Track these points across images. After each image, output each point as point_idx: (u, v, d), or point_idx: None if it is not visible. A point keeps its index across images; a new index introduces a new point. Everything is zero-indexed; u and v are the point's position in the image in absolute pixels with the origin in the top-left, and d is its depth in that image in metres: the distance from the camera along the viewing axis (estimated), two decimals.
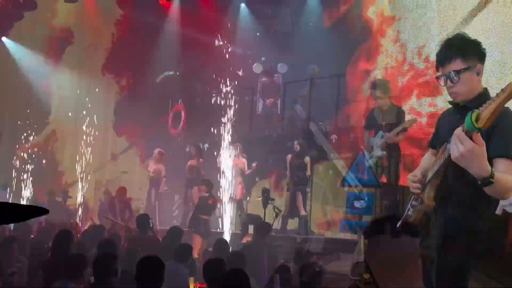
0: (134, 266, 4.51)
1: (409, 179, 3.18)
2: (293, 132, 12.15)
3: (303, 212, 10.70)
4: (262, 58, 14.28)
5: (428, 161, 3.22)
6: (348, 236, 9.17)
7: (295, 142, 10.76)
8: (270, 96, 12.93)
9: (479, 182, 2.66)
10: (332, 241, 9.75)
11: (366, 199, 8.44)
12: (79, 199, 13.02)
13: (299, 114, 11.95)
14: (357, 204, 8.41)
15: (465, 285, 2.95)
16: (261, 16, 14.64)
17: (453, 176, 2.93)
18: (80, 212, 12.72)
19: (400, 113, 9.34)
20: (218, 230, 10.44)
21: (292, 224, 11.03)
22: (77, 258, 5.14)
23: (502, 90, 2.47)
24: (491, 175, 2.63)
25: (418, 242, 3.00)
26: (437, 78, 3.13)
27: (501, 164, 2.80)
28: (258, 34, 14.59)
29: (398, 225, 2.92)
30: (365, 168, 8.57)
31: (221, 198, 10.53)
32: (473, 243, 2.94)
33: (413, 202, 3.13)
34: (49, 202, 13.00)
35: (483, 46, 3.07)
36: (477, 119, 2.48)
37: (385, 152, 9.10)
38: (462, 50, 3.01)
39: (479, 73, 3.02)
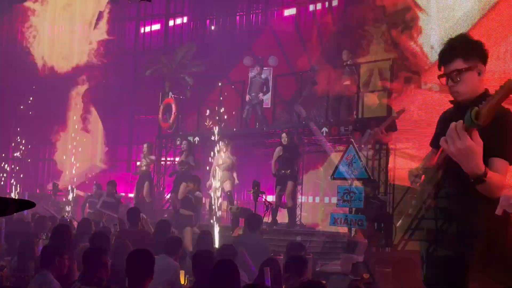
0: (124, 259, 4.50)
1: (410, 174, 3.22)
2: (284, 124, 12.16)
3: (290, 204, 10.74)
4: (252, 52, 14.27)
5: (429, 158, 3.25)
6: (338, 229, 9.22)
7: (283, 134, 10.78)
8: (260, 89, 12.91)
9: (472, 180, 2.71)
10: (322, 234, 9.80)
11: (356, 192, 8.46)
12: (70, 192, 12.98)
13: (300, 114, 11.95)
14: (347, 197, 8.42)
15: (464, 285, 2.99)
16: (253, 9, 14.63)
17: (452, 174, 2.92)
18: (71, 205, 12.70)
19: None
20: (211, 222, 10.47)
21: (283, 217, 11.09)
22: (49, 247, 5.15)
23: (501, 86, 2.53)
24: (484, 174, 2.69)
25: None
26: (439, 77, 3.15)
27: (495, 163, 2.85)
28: (248, 26, 14.58)
29: (398, 224, 3.00)
30: (355, 161, 8.58)
31: (210, 192, 10.55)
32: (472, 241, 2.96)
33: (413, 202, 3.18)
34: (39, 195, 12.97)
35: (485, 48, 3.09)
36: (476, 116, 2.53)
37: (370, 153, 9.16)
38: (463, 51, 3.04)
39: (480, 73, 3.04)
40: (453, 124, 2.69)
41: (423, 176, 3.14)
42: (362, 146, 9.70)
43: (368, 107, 10.65)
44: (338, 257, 8.30)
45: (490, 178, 2.71)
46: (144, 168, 13.20)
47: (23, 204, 1.60)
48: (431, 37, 9.76)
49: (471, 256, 2.97)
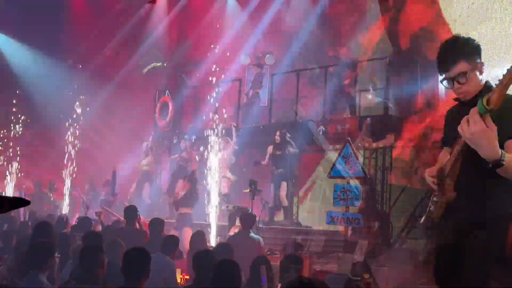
0: (120, 258, 4.50)
1: (427, 174, 3.28)
2: (280, 123, 12.16)
3: (285, 203, 10.76)
4: (250, 50, 14.25)
5: (443, 157, 3.29)
6: (334, 227, 9.23)
7: (277, 133, 10.78)
8: (257, 87, 12.93)
9: (490, 165, 2.79)
10: (319, 232, 9.81)
11: (352, 190, 8.47)
12: (66, 190, 12.97)
13: (299, 114, 11.96)
14: (344, 195, 8.44)
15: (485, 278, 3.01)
16: (248, 7, 14.61)
17: (471, 167, 2.99)
18: (67, 203, 12.69)
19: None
20: (205, 222, 10.47)
21: (279, 215, 11.10)
22: (41, 246, 5.10)
23: (508, 70, 2.66)
24: (502, 157, 2.77)
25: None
26: (442, 81, 3.22)
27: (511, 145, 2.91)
28: (245, 25, 14.56)
29: (421, 220, 3.23)
30: (352, 160, 8.59)
31: (208, 190, 10.56)
32: (491, 235, 2.99)
33: (434, 198, 3.22)
34: (36, 193, 12.95)
35: (477, 42, 3.17)
36: (488, 103, 2.69)
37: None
38: (464, 52, 3.11)
39: (481, 70, 3.13)
40: (471, 110, 2.79)
41: (436, 177, 3.19)
42: (359, 144, 9.71)
43: (366, 106, 10.66)
44: (337, 257, 8.32)
45: (509, 160, 2.79)
46: (145, 168, 13.17)
47: (18, 202, 1.60)
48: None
49: (490, 249, 2.99)
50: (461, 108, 3.17)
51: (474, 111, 2.77)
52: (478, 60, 3.13)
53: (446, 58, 3.15)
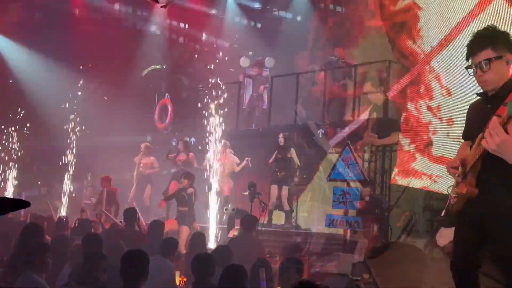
0: (119, 260, 4.50)
1: (448, 168, 3.39)
2: (281, 126, 12.16)
3: (287, 207, 10.75)
4: (250, 52, 14.25)
5: (464, 151, 3.39)
6: (334, 230, 9.22)
7: (280, 135, 10.79)
8: (257, 90, 12.96)
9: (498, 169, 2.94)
10: (318, 235, 9.79)
11: (352, 193, 8.47)
12: (65, 190, 12.95)
13: (299, 114, 11.97)
14: (343, 198, 8.43)
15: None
16: (248, 10, 14.62)
17: (492, 164, 3.08)
18: (65, 205, 12.66)
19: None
20: (206, 224, 10.45)
21: (279, 218, 11.08)
22: (37, 247, 5.11)
23: None
24: None
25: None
26: (467, 68, 3.29)
27: None
28: (245, 28, 14.57)
29: (442, 214, 3.41)
30: (351, 163, 8.59)
31: (207, 192, 10.54)
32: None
33: (453, 194, 3.34)
34: (36, 195, 12.94)
35: (509, 35, 3.23)
36: None
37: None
38: (492, 40, 3.19)
39: (508, 62, 3.19)
40: (491, 123, 2.93)
41: (459, 170, 3.30)
42: (358, 147, 9.71)
43: (365, 108, 10.65)
44: (337, 258, 8.31)
45: None
46: (144, 170, 13.14)
47: (18, 204, 1.59)
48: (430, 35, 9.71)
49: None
50: (483, 102, 3.28)
51: (495, 123, 2.89)
52: (507, 53, 3.18)
53: (474, 43, 3.24)
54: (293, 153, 10.81)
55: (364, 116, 10.23)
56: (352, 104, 11.03)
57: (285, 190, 10.74)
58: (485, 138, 2.93)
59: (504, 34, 3.23)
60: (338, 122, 11.11)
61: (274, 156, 10.84)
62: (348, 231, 8.66)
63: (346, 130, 10.19)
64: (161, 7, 10.87)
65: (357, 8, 12.00)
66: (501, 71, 3.16)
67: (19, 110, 15.23)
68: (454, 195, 3.31)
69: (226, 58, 13.86)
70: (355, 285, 6.13)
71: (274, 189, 10.79)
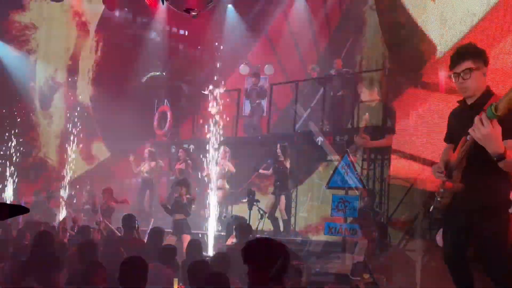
0: (118, 267, 4.48)
1: (434, 170, 3.85)
2: (279, 134, 12.17)
3: (284, 217, 10.75)
4: (249, 60, 14.29)
5: (447, 154, 3.88)
6: (333, 238, 9.20)
7: (278, 146, 10.81)
8: (256, 97, 12.96)
9: (495, 158, 3.38)
10: (317, 243, 9.77)
11: (351, 201, 8.46)
12: (64, 197, 12.91)
13: (299, 114, 11.98)
14: (341, 206, 8.43)
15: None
16: (248, 18, 14.65)
17: (475, 161, 3.59)
18: (64, 212, 12.61)
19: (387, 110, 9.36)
20: (203, 231, 10.43)
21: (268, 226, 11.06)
22: (51, 261, 5.10)
23: None
24: (504, 152, 3.37)
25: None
26: (450, 76, 3.87)
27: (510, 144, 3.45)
28: (245, 35, 14.60)
29: (430, 209, 3.87)
30: (350, 171, 8.59)
31: (207, 200, 10.53)
32: (495, 224, 3.62)
33: (440, 190, 3.77)
34: (34, 202, 12.88)
35: (487, 55, 3.82)
36: (496, 109, 3.24)
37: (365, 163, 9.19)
38: (473, 54, 3.77)
39: (484, 74, 3.77)
40: (477, 116, 3.36)
41: (444, 171, 3.76)
42: (357, 141, 9.67)
43: (364, 116, 10.66)
44: (337, 258, 8.30)
45: (510, 156, 3.38)
46: (146, 175, 13.12)
47: (17, 209, 1.59)
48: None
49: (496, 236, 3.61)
50: (463, 109, 3.85)
51: (484, 116, 3.32)
52: (483, 65, 3.75)
53: (457, 55, 3.79)
54: (288, 162, 10.83)
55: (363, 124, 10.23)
56: (350, 113, 11.06)
57: (282, 199, 10.76)
58: (474, 127, 3.38)
59: (482, 50, 3.81)
60: (337, 130, 11.12)
61: (272, 167, 10.88)
62: (348, 221, 8.65)
63: None
64: (193, 17, 10.91)
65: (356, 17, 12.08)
66: (479, 80, 3.74)
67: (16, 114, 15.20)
68: (442, 190, 3.75)
69: (228, 64, 13.87)
70: (355, 285, 6.12)
71: (273, 199, 10.83)
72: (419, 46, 10.04)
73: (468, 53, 3.77)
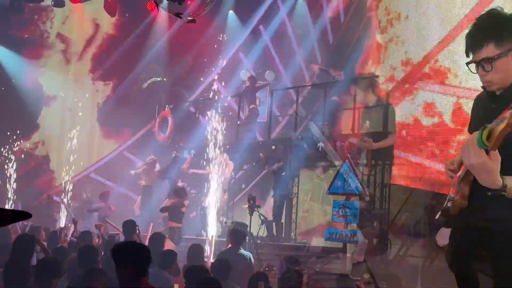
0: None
1: (446, 167, 2.97)
2: (280, 139, 12.18)
3: (270, 218, 10.78)
4: (250, 65, 14.31)
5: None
6: (333, 244, 9.20)
7: (273, 147, 10.88)
8: (252, 102, 12.99)
9: (489, 193, 2.51)
10: (316, 249, 9.77)
11: (351, 207, 8.46)
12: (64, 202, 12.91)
13: (299, 114, 11.99)
14: (342, 212, 8.42)
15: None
16: (249, 23, 14.69)
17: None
18: (64, 217, 12.61)
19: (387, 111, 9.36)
20: (203, 237, 10.42)
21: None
22: (49, 264, 5.10)
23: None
24: (503, 188, 2.49)
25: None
26: (468, 64, 2.76)
27: None
28: (246, 40, 14.64)
29: (436, 217, 2.95)
30: (350, 176, 8.59)
31: (206, 205, 10.53)
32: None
33: (451, 195, 2.90)
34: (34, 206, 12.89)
35: None
36: (488, 137, 2.31)
37: (365, 161, 9.19)
38: (495, 33, 2.62)
39: None
40: (471, 136, 2.49)
41: (457, 169, 2.90)
42: (359, 144, 9.65)
43: (364, 124, 10.67)
44: (337, 258, 8.29)
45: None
46: (144, 182, 13.14)
47: (19, 215, 1.59)
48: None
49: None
50: (489, 100, 2.78)
51: (474, 142, 2.40)
52: None
53: (474, 37, 2.69)
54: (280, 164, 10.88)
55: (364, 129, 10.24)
56: (351, 118, 11.07)
57: (282, 204, 10.80)
58: (462, 150, 2.51)
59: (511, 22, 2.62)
60: (338, 136, 11.12)
61: (272, 172, 10.93)
62: (348, 227, 8.64)
63: None
64: (188, 22, 10.92)
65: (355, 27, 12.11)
66: (507, 69, 2.63)
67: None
68: (452, 195, 2.89)
69: (228, 69, 13.92)
70: (355, 285, 6.10)
71: (273, 204, 10.89)
72: None
73: (488, 32, 2.62)
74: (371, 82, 10.04)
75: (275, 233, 10.79)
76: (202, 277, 4.80)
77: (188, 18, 10.96)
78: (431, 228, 8.68)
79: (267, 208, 10.90)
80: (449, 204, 2.89)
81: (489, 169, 2.42)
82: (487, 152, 2.38)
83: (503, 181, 2.48)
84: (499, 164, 2.43)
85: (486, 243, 2.84)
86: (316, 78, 12.38)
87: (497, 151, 2.38)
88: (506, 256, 2.73)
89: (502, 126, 2.26)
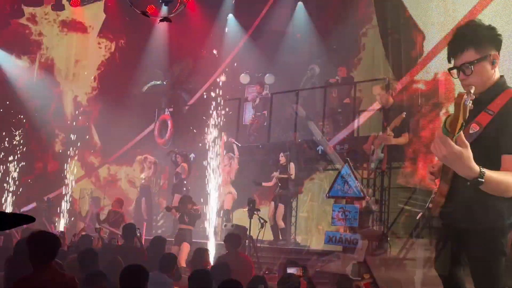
0: (117, 275, 4.49)
1: (428, 170, 3.10)
2: (281, 142, 12.18)
3: (282, 226, 10.75)
4: (249, 69, 14.33)
5: None
6: (332, 247, 9.19)
7: (281, 155, 10.84)
8: (263, 107, 13.04)
9: (468, 183, 2.60)
10: (316, 252, 9.76)
11: (351, 210, 8.46)
12: (64, 206, 12.93)
13: (299, 114, 12.00)
14: (342, 215, 8.42)
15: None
16: (248, 27, 14.71)
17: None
18: (65, 220, 12.64)
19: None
20: (204, 240, 10.42)
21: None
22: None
23: (458, 94, 2.46)
24: (480, 175, 2.57)
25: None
26: (449, 70, 3.00)
27: (508, 161, 2.71)
28: (245, 44, 14.65)
29: (418, 216, 2.93)
30: (350, 180, 8.58)
31: (208, 208, 10.52)
32: (484, 240, 2.85)
33: (433, 195, 3.04)
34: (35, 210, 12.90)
35: (498, 32, 2.91)
36: (450, 124, 2.45)
37: (382, 155, 9.19)
38: (475, 40, 2.86)
39: (494, 62, 2.88)
40: (437, 132, 2.59)
41: (437, 171, 3.01)
42: (381, 137, 9.60)
43: (364, 125, 10.69)
44: (337, 258, 8.29)
45: (490, 178, 2.58)
46: (144, 182, 13.12)
47: (22, 219, 1.60)
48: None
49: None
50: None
51: (440, 133, 2.53)
52: (492, 51, 2.86)
53: (455, 44, 2.93)
54: (292, 168, 10.84)
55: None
56: (353, 121, 11.08)
57: (281, 208, 10.77)
58: (433, 144, 2.57)
59: (490, 30, 2.90)
60: (338, 139, 11.13)
61: (275, 178, 10.89)
62: (348, 230, 8.64)
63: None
64: (160, 21, 10.91)
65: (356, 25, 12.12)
66: (485, 73, 2.86)
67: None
68: (433, 195, 3.02)
69: (228, 72, 13.93)
70: (355, 285, 6.11)
71: (273, 207, 10.84)
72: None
73: (468, 39, 2.87)
74: (384, 84, 10.03)
75: (280, 237, 10.80)
76: (224, 278, 4.80)
77: (160, 18, 10.93)
78: (430, 230, 8.68)
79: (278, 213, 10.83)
80: (430, 205, 3.01)
81: (459, 154, 2.50)
82: (455, 142, 2.48)
83: (480, 168, 2.57)
84: (469, 150, 2.52)
85: (464, 244, 2.93)
86: (316, 78, 12.42)
87: (463, 138, 2.49)
88: (482, 256, 2.84)
89: (453, 118, 2.42)
